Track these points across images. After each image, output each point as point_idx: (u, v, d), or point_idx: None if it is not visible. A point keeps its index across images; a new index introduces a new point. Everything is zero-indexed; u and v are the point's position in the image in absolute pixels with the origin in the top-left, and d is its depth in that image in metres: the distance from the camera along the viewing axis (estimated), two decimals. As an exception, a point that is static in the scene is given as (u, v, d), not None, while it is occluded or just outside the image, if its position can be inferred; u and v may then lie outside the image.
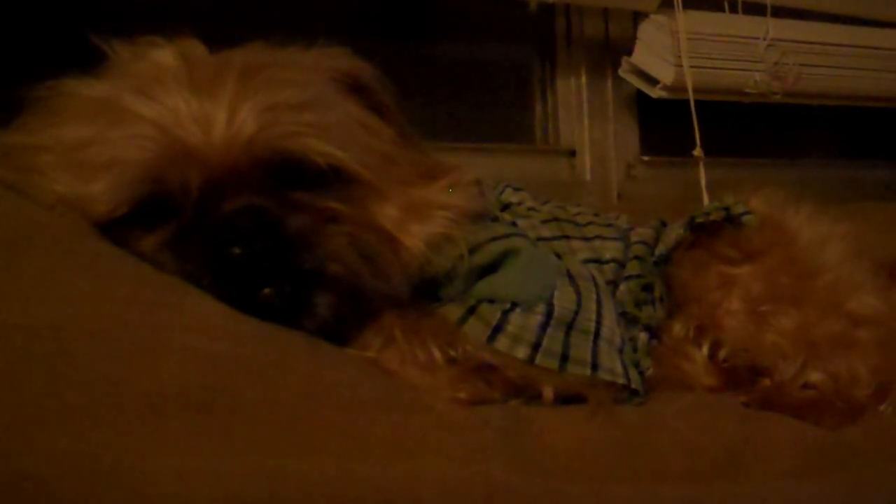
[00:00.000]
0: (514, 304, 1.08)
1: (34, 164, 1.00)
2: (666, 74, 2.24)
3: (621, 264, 1.33)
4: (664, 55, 2.24)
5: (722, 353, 1.32)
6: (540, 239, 1.26)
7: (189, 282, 0.93)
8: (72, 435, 0.69)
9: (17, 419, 0.69)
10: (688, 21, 2.23)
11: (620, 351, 1.16)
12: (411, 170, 1.13)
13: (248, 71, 1.02)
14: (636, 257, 1.34)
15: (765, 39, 2.30)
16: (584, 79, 2.42)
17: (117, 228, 0.99)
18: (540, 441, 0.94)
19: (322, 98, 1.05)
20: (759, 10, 2.34)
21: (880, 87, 2.53)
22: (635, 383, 1.14)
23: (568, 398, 1.07)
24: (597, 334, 1.12)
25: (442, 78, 2.31)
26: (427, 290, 1.11)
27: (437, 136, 2.08)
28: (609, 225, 1.40)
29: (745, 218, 1.38)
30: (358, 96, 1.12)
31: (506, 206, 1.34)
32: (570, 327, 1.10)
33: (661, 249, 1.36)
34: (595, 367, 1.10)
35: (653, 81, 2.29)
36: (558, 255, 1.24)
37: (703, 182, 2.19)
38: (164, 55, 1.05)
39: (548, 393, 1.07)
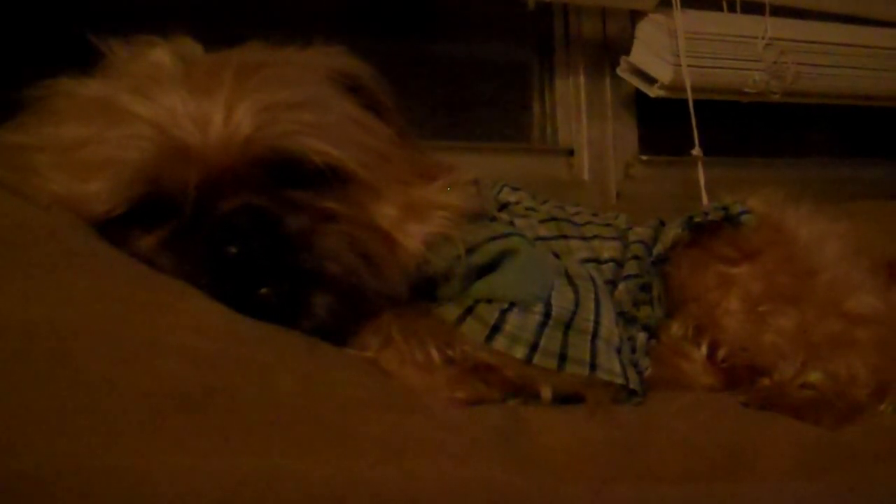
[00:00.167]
0: (512, 304, 1.08)
1: (31, 164, 1.00)
2: (664, 74, 2.24)
3: (620, 264, 1.33)
4: (662, 54, 2.24)
5: (720, 353, 1.32)
6: (538, 238, 1.27)
7: (187, 282, 0.93)
8: (69, 435, 0.69)
9: (13, 419, 0.69)
10: (686, 20, 2.23)
11: (619, 351, 1.15)
12: (409, 169, 1.13)
13: (246, 70, 1.02)
14: (634, 257, 1.34)
15: (763, 39, 2.30)
16: (582, 78, 2.42)
17: (115, 228, 0.99)
18: (538, 441, 0.94)
19: (319, 97, 1.05)
20: (757, 10, 2.35)
21: (879, 86, 2.53)
22: (634, 383, 1.14)
23: (566, 398, 1.07)
24: (595, 334, 1.12)
25: (440, 77, 2.31)
26: (425, 290, 1.11)
27: (435, 136, 2.09)
28: (607, 224, 1.41)
29: (744, 217, 1.38)
30: (355, 96, 1.12)
31: (504, 206, 1.34)
32: (568, 327, 1.10)
33: (659, 249, 1.36)
34: (593, 366, 1.09)
35: (651, 81, 2.29)
36: (556, 255, 1.24)
37: (701, 181, 2.19)
38: (160, 55, 1.05)
39: (546, 393, 1.07)
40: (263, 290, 0.94)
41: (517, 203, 1.37)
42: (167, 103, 0.98)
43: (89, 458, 0.68)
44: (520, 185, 1.43)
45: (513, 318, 1.07)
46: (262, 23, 1.98)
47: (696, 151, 2.21)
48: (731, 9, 2.37)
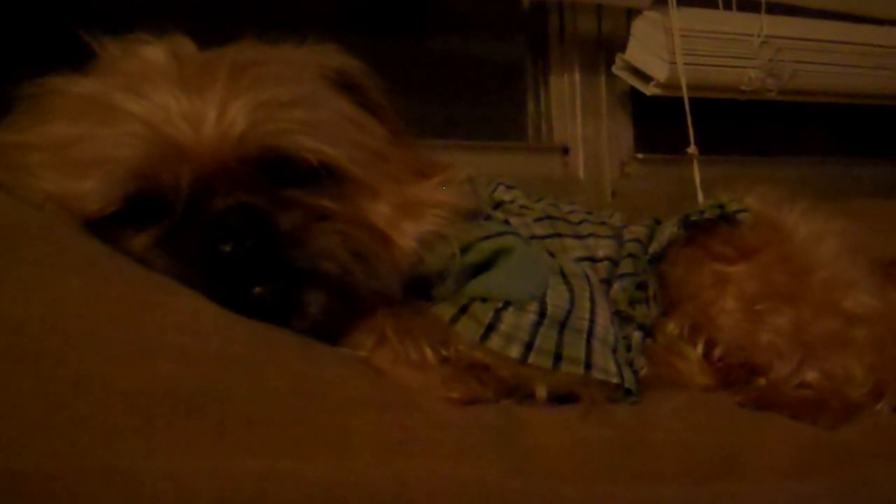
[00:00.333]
0: (507, 303, 1.08)
1: (23, 163, 1.00)
2: (660, 71, 2.24)
3: (615, 262, 1.33)
4: (658, 52, 2.23)
5: (716, 352, 1.32)
6: (533, 237, 1.26)
7: (180, 281, 0.93)
8: (62, 434, 0.69)
9: (6, 418, 0.69)
10: (682, 18, 2.23)
11: (614, 350, 1.15)
12: (403, 167, 1.12)
13: (239, 68, 1.01)
14: (630, 255, 1.34)
15: (759, 36, 2.30)
16: (577, 76, 2.42)
17: (107, 227, 0.98)
18: (533, 440, 0.94)
19: (313, 95, 1.05)
20: (753, 7, 2.35)
21: (875, 84, 2.53)
22: (629, 382, 1.14)
23: (561, 397, 1.06)
24: (590, 333, 1.12)
25: (434, 75, 2.31)
26: (419, 289, 1.11)
27: (430, 134, 2.08)
28: (603, 223, 1.40)
29: (740, 216, 1.38)
30: (349, 93, 1.11)
31: (498, 204, 1.34)
32: (563, 326, 1.10)
33: (655, 247, 1.36)
34: (588, 366, 1.09)
35: (646, 78, 2.29)
36: (551, 254, 1.23)
37: (697, 180, 2.19)
38: (153, 52, 1.05)
39: (541, 392, 1.06)
40: (257, 289, 0.94)
41: (512, 201, 1.37)
42: (160, 101, 0.97)
43: (82, 457, 0.68)
44: (514, 184, 1.43)
45: (508, 318, 1.07)
46: (255, 21, 1.97)
47: (692, 150, 2.21)
48: (727, 6, 2.37)
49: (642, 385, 1.19)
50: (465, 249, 1.10)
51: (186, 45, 1.09)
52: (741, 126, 2.61)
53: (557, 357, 1.07)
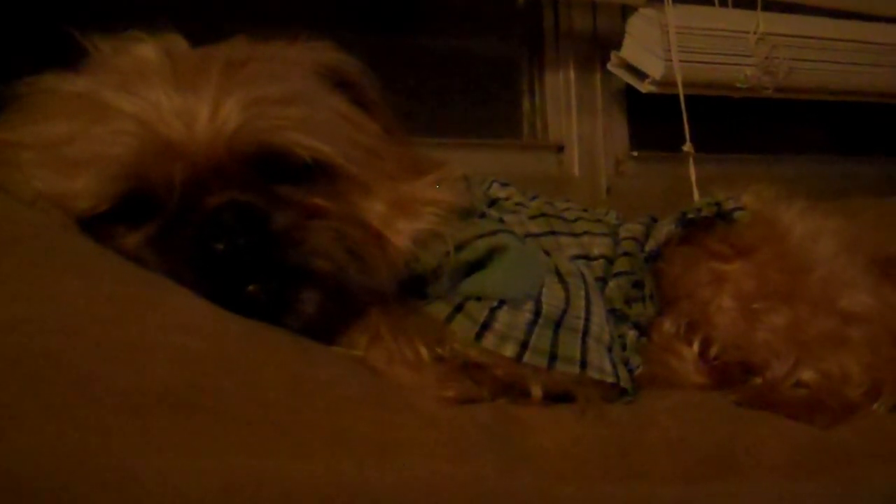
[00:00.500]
0: (502, 302, 1.08)
1: (15, 161, 0.99)
2: (655, 69, 2.24)
3: (610, 261, 1.32)
4: (653, 49, 2.23)
5: (713, 351, 1.32)
6: (528, 235, 1.26)
7: (173, 279, 0.93)
8: (54, 434, 0.68)
9: (1, 418, 0.68)
10: (677, 15, 2.23)
11: (609, 349, 1.15)
12: (398, 165, 1.12)
13: (232, 65, 1.01)
14: (626, 254, 1.34)
15: (755, 33, 2.30)
16: (572, 73, 2.41)
17: (100, 225, 0.98)
18: (528, 440, 0.94)
19: (306, 92, 1.05)
20: (749, 4, 2.35)
21: (872, 81, 2.53)
22: (624, 381, 1.14)
23: (556, 397, 1.07)
24: (585, 332, 1.12)
25: (428, 72, 2.31)
26: (414, 288, 1.10)
27: (424, 131, 2.08)
28: (598, 221, 1.40)
29: (737, 214, 1.38)
30: (343, 91, 1.11)
31: (493, 202, 1.34)
32: (558, 325, 1.09)
33: (651, 246, 1.36)
34: (584, 365, 1.09)
35: (642, 76, 2.29)
36: (546, 252, 1.23)
37: (693, 178, 2.19)
38: (146, 50, 1.04)
39: (536, 391, 1.06)
40: (251, 287, 0.94)
41: (507, 199, 1.37)
42: (152, 99, 0.97)
43: (74, 457, 0.68)
44: (509, 181, 1.43)
45: (502, 316, 1.06)
46: (248, 18, 1.98)
47: (688, 147, 2.21)
48: (723, 3, 2.37)
49: (638, 384, 1.19)
50: (459, 247, 1.10)
51: (179, 43, 1.08)
52: (737, 124, 2.61)
53: (552, 356, 1.07)
